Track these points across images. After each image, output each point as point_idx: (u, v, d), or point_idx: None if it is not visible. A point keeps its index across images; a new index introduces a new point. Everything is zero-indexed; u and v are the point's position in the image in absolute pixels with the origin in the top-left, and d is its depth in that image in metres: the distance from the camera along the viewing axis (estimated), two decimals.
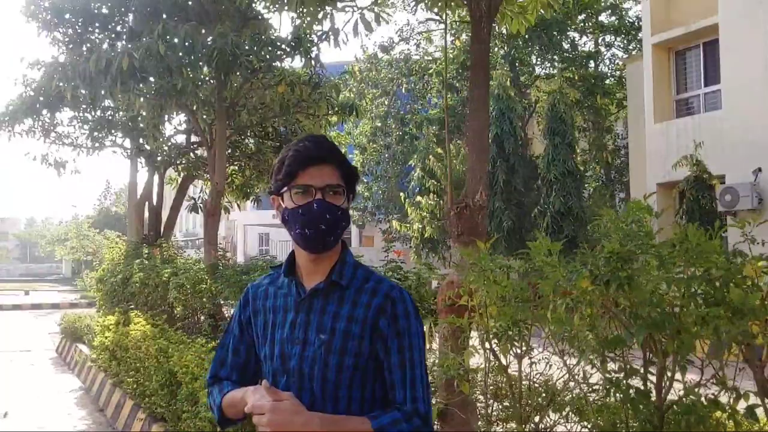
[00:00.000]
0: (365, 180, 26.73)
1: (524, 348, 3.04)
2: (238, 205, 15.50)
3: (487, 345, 3.33)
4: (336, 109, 11.18)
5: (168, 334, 7.61)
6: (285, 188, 1.86)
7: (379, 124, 26.82)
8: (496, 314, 2.96)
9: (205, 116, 10.76)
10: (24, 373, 11.89)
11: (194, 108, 9.85)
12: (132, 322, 8.91)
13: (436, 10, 6.87)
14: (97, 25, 10.70)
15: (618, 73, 25.34)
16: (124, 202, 41.75)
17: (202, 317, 8.68)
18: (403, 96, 27.01)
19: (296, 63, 10.71)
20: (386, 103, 26.54)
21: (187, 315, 8.98)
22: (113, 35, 10.82)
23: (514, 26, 6.63)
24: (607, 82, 25.09)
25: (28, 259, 77.99)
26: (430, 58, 26.64)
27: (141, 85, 9.42)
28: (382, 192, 26.86)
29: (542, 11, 6.79)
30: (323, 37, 9.14)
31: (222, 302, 8.13)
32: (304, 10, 6.41)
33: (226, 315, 8.18)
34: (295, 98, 10.20)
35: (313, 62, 9.27)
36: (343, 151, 2.06)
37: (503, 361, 3.16)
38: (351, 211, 2.01)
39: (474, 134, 4.44)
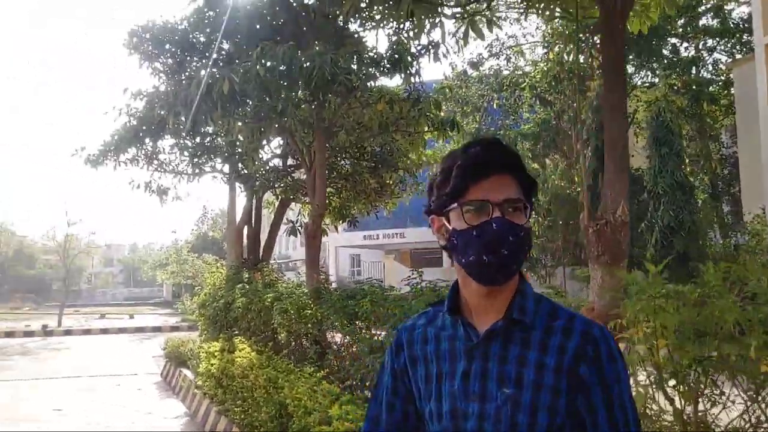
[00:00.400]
0: None
1: (710, 390, 2.55)
2: (335, 227, 15.37)
3: (647, 381, 2.87)
4: (435, 125, 10.85)
5: (275, 363, 7.41)
6: (453, 205, 1.49)
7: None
8: (672, 349, 2.50)
9: (303, 138, 10.66)
10: (132, 397, 12.07)
11: (293, 130, 9.75)
12: (237, 348, 8.80)
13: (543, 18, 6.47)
14: (195, 53, 10.83)
15: (722, 78, 23.89)
16: (221, 226, 42.81)
17: (306, 343, 8.44)
18: (494, 112, 26.49)
19: (390, 80, 10.47)
20: (477, 119, 26.06)
21: (292, 341, 8.77)
22: (210, 62, 10.92)
23: (635, 26, 6.14)
24: (711, 88, 23.69)
25: (132, 284, 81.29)
26: (521, 72, 26.00)
27: (240, 109, 9.40)
28: None
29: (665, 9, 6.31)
30: (423, 51, 8.87)
31: (327, 328, 7.86)
32: (408, 23, 6.14)
33: (331, 341, 7.92)
34: (394, 116, 9.94)
35: (413, 78, 9.00)
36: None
37: (678, 405, 2.68)
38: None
39: (611, 143, 3.97)
